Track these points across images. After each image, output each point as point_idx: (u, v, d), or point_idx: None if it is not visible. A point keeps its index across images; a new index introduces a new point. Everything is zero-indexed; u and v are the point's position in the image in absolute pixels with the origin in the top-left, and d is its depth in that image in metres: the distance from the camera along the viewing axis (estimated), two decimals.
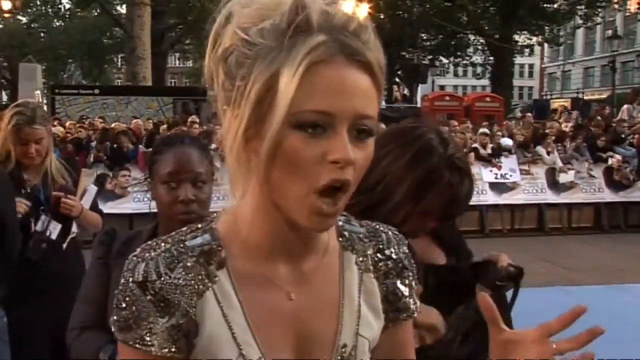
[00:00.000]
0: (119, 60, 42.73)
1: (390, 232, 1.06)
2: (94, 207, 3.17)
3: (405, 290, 1.04)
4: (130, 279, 0.88)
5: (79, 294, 1.97)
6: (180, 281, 0.88)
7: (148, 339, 0.87)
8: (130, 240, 1.91)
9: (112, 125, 13.22)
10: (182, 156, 1.84)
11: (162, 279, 0.88)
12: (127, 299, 0.88)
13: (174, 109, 20.71)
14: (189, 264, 0.89)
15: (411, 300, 1.05)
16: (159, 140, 2.11)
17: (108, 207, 9.41)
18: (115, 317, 0.89)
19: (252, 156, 0.86)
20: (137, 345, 0.87)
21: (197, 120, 12.39)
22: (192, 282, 0.89)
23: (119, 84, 39.82)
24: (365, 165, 0.86)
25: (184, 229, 0.94)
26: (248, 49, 0.84)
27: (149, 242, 0.92)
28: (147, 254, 0.89)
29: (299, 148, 0.81)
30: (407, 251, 1.06)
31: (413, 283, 1.06)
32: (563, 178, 10.85)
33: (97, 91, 22.09)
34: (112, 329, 0.90)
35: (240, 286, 0.91)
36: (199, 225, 0.94)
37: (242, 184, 0.90)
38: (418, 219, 1.53)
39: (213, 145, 10.14)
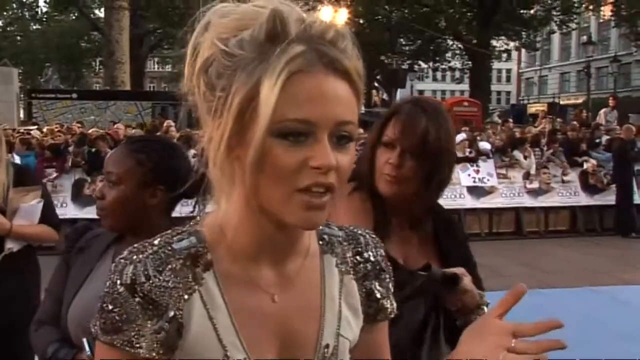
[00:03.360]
0: (97, 64, 42.28)
1: (368, 236, 1.09)
2: (48, 219, 2.99)
3: (382, 291, 1.07)
4: (118, 281, 0.89)
5: (46, 288, 2.00)
6: (169, 284, 0.90)
7: (136, 341, 0.88)
8: (94, 238, 1.92)
9: (89, 130, 13.12)
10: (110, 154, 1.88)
11: (151, 281, 0.89)
12: (115, 301, 0.88)
13: (153, 114, 20.60)
14: (176, 266, 0.91)
15: (388, 302, 1.08)
16: None
17: (86, 212, 9.33)
18: (100, 319, 0.90)
19: (235, 164, 0.88)
20: (126, 348, 0.88)
21: (172, 124, 12.34)
22: (180, 284, 0.90)
23: (97, 89, 39.48)
24: (348, 168, 0.88)
25: (169, 231, 0.95)
26: (228, 61, 0.86)
27: (136, 245, 0.93)
28: (135, 257, 0.90)
29: (281, 156, 0.83)
30: (383, 254, 1.09)
31: (390, 285, 1.09)
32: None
33: (74, 95, 21.97)
34: (93, 331, 0.91)
35: (225, 288, 0.92)
36: (185, 228, 0.96)
37: (226, 192, 0.92)
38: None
39: (192, 152, 10.17)
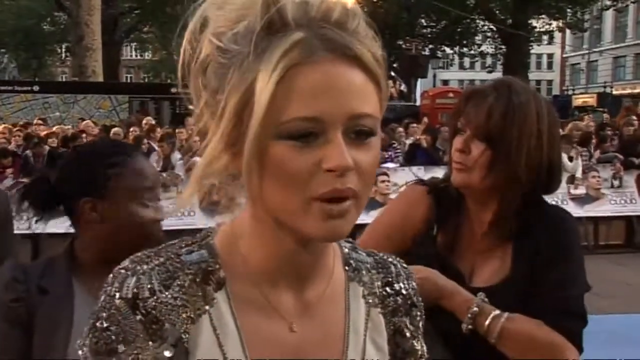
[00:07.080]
0: (63, 50, 42.34)
1: (399, 265, 1.10)
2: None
3: (412, 330, 1.08)
4: (117, 295, 0.89)
5: None
6: (177, 301, 0.90)
7: None
8: (49, 271, 1.79)
9: (54, 128, 13.14)
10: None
11: (156, 297, 0.89)
12: (112, 317, 0.88)
13: (130, 109, 20.64)
14: (185, 282, 0.91)
15: (418, 343, 1.09)
16: (108, 150, 1.88)
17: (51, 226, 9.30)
18: (92, 339, 0.89)
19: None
20: None
21: (153, 121, 12.38)
22: (188, 303, 0.90)
23: (63, 80, 39.56)
24: (372, 168, 0.89)
25: (176, 241, 0.96)
26: (223, 58, 0.87)
27: (138, 254, 0.94)
28: (139, 267, 0.91)
29: (289, 159, 0.84)
30: (415, 287, 1.11)
31: (420, 324, 1.10)
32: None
33: (36, 88, 21.96)
34: (81, 353, 0.90)
35: (239, 311, 0.93)
36: (194, 239, 0.96)
37: (237, 199, 0.94)
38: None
39: (177, 155, 10.20)
